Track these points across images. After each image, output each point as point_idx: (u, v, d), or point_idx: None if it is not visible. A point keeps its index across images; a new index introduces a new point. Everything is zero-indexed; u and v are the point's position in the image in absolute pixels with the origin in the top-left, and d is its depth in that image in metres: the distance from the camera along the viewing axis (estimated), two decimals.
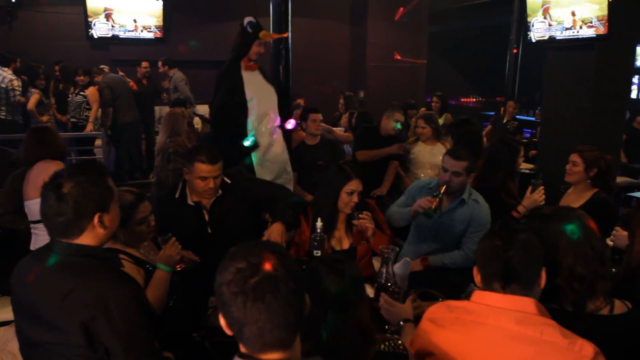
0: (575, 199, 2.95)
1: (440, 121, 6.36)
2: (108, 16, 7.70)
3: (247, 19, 3.58)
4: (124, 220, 1.86)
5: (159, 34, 8.09)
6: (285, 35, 4.05)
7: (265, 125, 3.72)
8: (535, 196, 2.75)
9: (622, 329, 1.48)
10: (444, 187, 2.58)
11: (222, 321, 1.04)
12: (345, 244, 2.63)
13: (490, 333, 1.37)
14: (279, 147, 3.82)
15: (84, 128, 6.34)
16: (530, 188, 2.80)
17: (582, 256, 1.52)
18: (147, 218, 2.14)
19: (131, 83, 6.93)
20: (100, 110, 6.54)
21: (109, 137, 6.62)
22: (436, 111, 6.54)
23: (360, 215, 2.49)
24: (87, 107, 6.37)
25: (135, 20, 7.90)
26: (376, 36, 9.02)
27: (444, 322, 1.45)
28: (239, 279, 0.99)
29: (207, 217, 2.60)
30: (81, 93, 6.37)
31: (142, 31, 7.97)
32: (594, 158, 2.90)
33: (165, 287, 2.01)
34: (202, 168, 2.45)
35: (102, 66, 7.18)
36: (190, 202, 2.59)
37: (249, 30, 3.56)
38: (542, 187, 2.78)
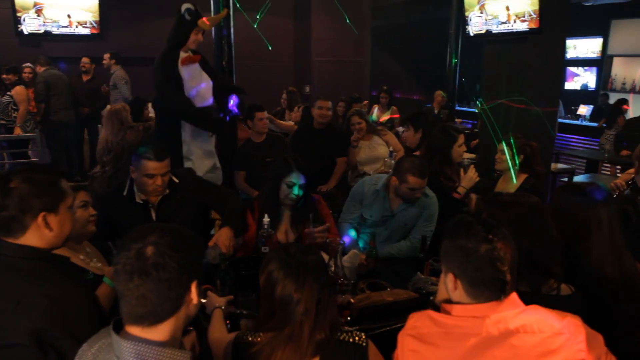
0: (507, 186, 3.08)
1: (388, 114, 6.53)
2: (39, 11, 7.34)
3: (184, 6, 3.46)
4: None
5: (95, 30, 7.79)
6: (224, 13, 3.89)
7: None
8: (470, 174, 3.07)
9: (568, 309, 1.54)
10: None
11: None
12: (292, 237, 2.63)
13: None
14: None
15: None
16: (462, 170, 3.12)
17: (541, 239, 1.59)
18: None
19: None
20: (31, 109, 6.13)
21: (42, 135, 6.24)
22: (384, 105, 6.70)
23: (317, 230, 2.49)
24: (15, 107, 5.95)
25: (69, 16, 7.59)
26: (320, 31, 9.03)
27: (433, 339, 1.31)
28: None
29: (154, 216, 2.54)
30: (8, 93, 5.94)
31: (77, 27, 7.67)
32: (520, 145, 3.04)
33: (109, 302, 1.84)
34: (149, 165, 2.39)
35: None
36: (138, 200, 2.52)
37: (187, 17, 3.44)
38: (472, 166, 3.13)
